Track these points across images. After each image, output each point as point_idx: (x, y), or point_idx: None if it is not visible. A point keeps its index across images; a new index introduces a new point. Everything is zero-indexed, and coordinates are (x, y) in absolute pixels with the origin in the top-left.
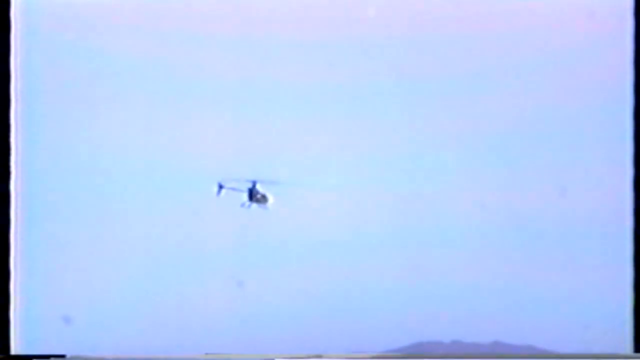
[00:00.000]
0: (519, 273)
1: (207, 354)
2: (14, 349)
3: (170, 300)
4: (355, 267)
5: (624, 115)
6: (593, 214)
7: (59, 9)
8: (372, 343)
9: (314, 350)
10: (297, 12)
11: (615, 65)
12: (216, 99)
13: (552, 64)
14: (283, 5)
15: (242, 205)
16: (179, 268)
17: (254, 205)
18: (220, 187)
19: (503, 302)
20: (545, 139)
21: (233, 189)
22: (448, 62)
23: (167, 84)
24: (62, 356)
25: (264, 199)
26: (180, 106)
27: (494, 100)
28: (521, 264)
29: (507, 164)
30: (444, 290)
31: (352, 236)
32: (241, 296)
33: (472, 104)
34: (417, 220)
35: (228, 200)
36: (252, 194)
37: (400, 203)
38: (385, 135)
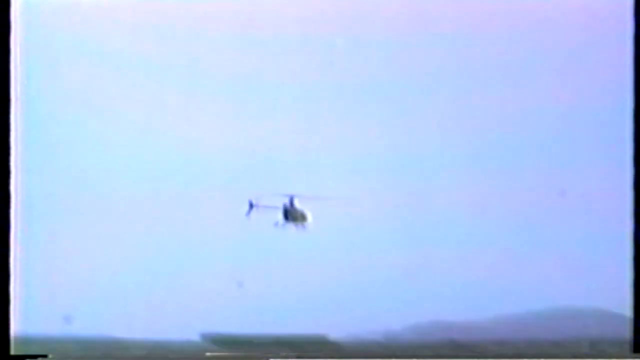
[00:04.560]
0: (518, 273)
1: (207, 353)
2: (14, 349)
3: (170, 296)
4: (364, 267)
5: (624, 115)
6: (593, 213)
7: (59, 9)
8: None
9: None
10: (299, 12)
11: (615, 65)
12: (219, 98)
13: (553, 64)
14: (285, 5)
15: (276, 224)
16: (180, 266)
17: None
18: (251, 206)
19: (503, 302)
20: (545, 138)
21: (266, 206)
22: (449, 62)
23: (166, 84)
24: (62, 356)
25: (302, 217)
26: (181, 105)
27: (494, 100)
28: (521, 264)
29: (506, 163)
30: (446, 289)
31: (359, 239)
32: (242, 295)
33: (472, 104)
34: (421, 221)
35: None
36: (289, 213)
37: (403, 204)
38: (384, 136)
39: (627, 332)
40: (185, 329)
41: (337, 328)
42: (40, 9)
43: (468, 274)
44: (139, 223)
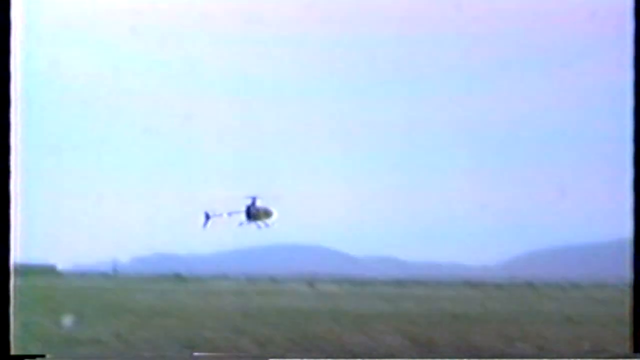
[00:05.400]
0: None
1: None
2: (14, 349)
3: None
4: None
5: (624, 115)
6: (593, 213)
7: (59, 9)
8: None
9: None
10: (299, 11)
11: (615, 65)
12: (215, 99)
13: (552, 64)
14: (285, 4)
15: (240, 224)
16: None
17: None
18: (207, 217)
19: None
20: (545, 137)
21: (220, 215)
22: (448, 62)
23: (167, 83)
24: (61, 356)
25: (266, 215)
26: (180, 104)
27: (493, 100)
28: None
29: (506, 162)
30: (169, 223)
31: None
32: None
33: (472, 104)
34: (415, 219)
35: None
36: (251, 213)
37: (399, 201)
38: (383, 135)
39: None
40: None
41: (64, 259)
42: (41, 9)
43: (180, 210)
44: (138, 224)
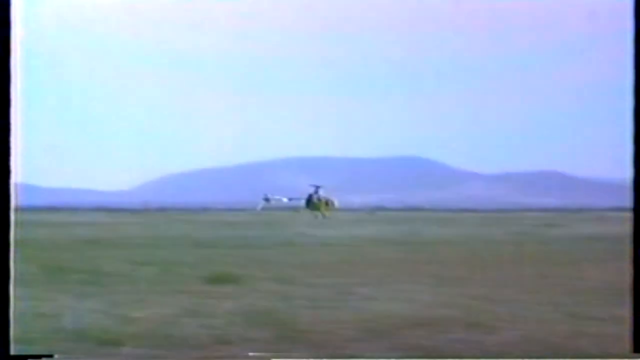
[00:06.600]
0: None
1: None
2: (14, 349)
3: None
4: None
5: (624, 115)
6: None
7: (59, 7)
8: None
9: None
10: (301, 8)
11: (615, 65)
12: (214, 96)
13: (552, 64)
14: (286, 4)
15: (297, 210)
16: None
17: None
18: (267, 200)
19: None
20: (544, 137)
21: (280, 199)
22: (448, 61)
23: (168, 84)
24: (61, 356)
25: (326, 206)
26: (181, 102)
27: (492, 99)
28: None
29: (505, 161)
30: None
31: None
32: None
33: (471, 103)
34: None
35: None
36: (311, 202)
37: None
38: (383, 133)
39: (627, 332)
40: None
41: None
42: (41, 8)
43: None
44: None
